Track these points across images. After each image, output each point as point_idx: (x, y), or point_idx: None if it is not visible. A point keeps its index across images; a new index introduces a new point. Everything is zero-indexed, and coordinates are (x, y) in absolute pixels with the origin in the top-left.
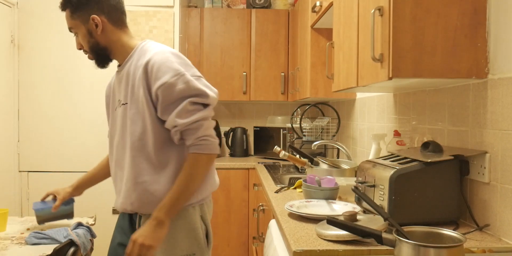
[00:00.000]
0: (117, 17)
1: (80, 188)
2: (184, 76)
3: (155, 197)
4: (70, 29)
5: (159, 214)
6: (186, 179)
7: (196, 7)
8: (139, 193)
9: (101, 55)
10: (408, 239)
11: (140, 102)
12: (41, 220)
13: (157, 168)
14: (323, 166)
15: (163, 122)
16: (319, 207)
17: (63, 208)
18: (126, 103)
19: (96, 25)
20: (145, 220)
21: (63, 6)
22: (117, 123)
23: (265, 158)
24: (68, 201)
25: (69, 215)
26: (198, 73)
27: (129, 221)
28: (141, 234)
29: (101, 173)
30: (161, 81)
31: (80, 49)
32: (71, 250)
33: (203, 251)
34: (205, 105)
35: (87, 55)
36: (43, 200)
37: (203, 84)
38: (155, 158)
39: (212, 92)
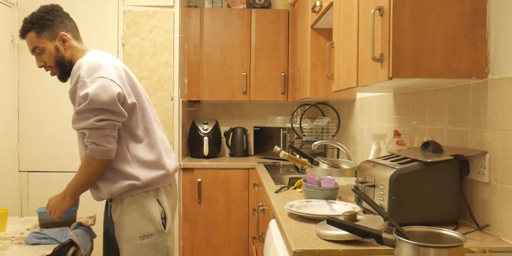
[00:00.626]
0: (77, 34)
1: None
2: (81, 81)
3: (110, 186)
4: (35, 49)
5: (66, 190)
6: (79, 173)
7: (196, 7)
8: (100, 184)
9: (65, 69)
10: (408, 239)
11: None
12: (43, 224)
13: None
14: (323, 166)
15: None
16: (319, 207)
17: (66, 214)
18: None
19: (64, 41)
20: (114, 209)
21: (26, 31)
22: None
23: (265, 158)
24: (72, 209)
25: (72, 222)
26: (102, 75)
27: (105, 210)
28: (53, 198)
29: None
30: (69, 88)
31: (42, 66)
32: (71, 250)
33: (160, 232)
34: (90, 110)
35: (49, 71)
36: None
37: (97, 86)
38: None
39: (100, 95)
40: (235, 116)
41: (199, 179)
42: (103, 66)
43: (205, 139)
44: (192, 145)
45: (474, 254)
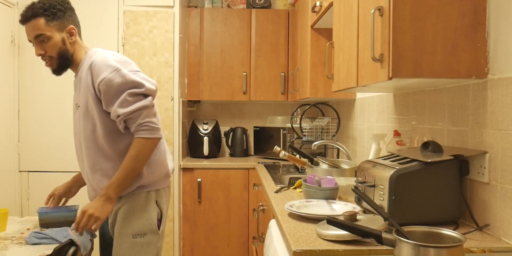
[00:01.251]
0: (80, 31)
1: (76, 185)
2: (120, 71)
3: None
4: (39, 36)
5: (107, 191)
6: (130, 161)
7: (196, 7)
8: (99, 179)
9: (65, 62)
10: (408, 239)
11: (88, 100)
12: (43, 224)
13: (112, 156)
14: (323, 166)
15: (109, 114)
16: (319, 207)
17: (66, 214)
18: (79, 106)
19: (71, 34)
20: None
21: (35, 15)
22: (76, 124)
23: (265, 158)
24: (72, 209)
25: (72, 222)
26: (136, 68)
27: None
28: (91, 206)
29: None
30: (101, 77)
31: (41, 55)
32: (71, 250)
33: (154, 233)
34: (145, 96)
35: (46, 61)
36: (46, 204)
37: (140, 77)
38: (108, 148)
39: (149, 83)
40: (235, 116)
41: (199, 179)
42: (129, 61)
43: (205, 139)
44: (192, 145)
45: (474, 254)
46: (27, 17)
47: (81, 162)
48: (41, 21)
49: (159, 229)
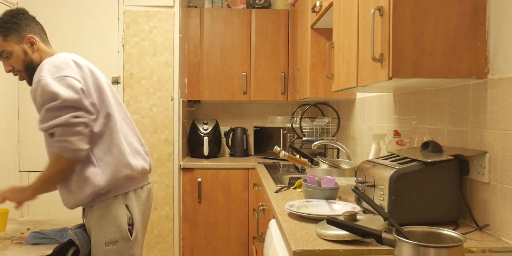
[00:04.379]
0: (45, 38)
1: None
2: (43, 79)
3: (70, 196)
4: (1, 53)
5: (30, 184)
6: (46, 170)
7: (196, 7)
8: (63, 192)
9: (33, 73)
10: (408, 239)
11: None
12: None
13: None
14: (323, 166)
15: None
16: (319, 207)
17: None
18: None
19: (32, 43)
20: (86, 214)
21: None
22: None
23: (265, 158)
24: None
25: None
26: (66, 74)
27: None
28: (9, 188)
29: None
30: (31, 88)
31: (9, 71)
32: (71, 250)
33: (125, 240)
34: (64, 108)
35: (17, 76)
36: None
37: (63, 84)
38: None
39: (68, 93)
40: (235, 116)
41: (199, 179)
42: (67, 64)
43: (205, 139)
44: (192, 145)
45: (474, 254)
46: None
47: None
48: None
49: (131, 235)
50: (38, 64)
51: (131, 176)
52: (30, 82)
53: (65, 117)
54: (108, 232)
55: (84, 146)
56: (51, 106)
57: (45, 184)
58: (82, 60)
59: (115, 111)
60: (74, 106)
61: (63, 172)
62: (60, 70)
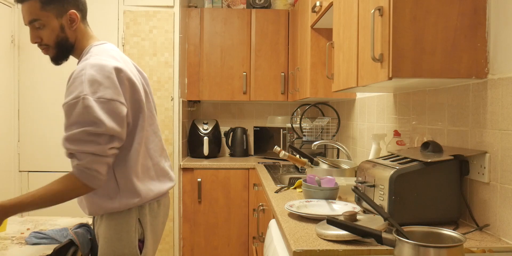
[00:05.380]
0: (85, 14)
1: None
2: (86, 100)
3: (86, 205)
4: (33, 21)
5: (10, 210)
6: (50, 194)
7: (196, 7)
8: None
9: (64, 52)
10: (408, 239)
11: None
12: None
13: None
14: (323, 166)
15: None
16: (319, 207)
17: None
18: None
19: (72, 21)
20: (96, 220)
21: None
22: None
23: (265, 158)
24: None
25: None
26: (110, 96)
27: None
28: None
29: None
30: (66, 99)
31: (36, 42)
32: (71, 250)
33: (133, 255)
34: (103, 136)
35: (43, 49)
36: None
37: (106, 110)
38: None
39: (112, 122)
40: (235, 116)
41: (199, 179)
42: (110, 80)
43: (205, 139)
44: (192, 145)
45: (474, 254)
46: None
47: None
48: (36, 4)
49: (140, 252)
50: (72, 44)
51: (161, 193)
52: (55, 60)
53: (102, 148)
54: (117, 246)
55: (105, 176)
56: (91, 131)
57: (44, 200)
58: (123, 66)
59: (145, 128)
60: (114, 135)
61: (70, 196)
62: (103, 88)
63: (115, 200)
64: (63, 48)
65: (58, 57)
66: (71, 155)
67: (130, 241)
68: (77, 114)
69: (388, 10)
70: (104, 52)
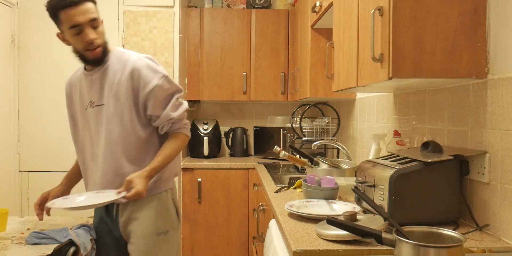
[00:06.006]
0: None
1: (69, 186)
2: (167, 77)
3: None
4: (92, 20)
5: (150, 173)
6: (172, 151)
7: (196, 7)
8: (119, 183)
9: (105, 52)
10: (408, 239)
11: (122, 103)
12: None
13: (136, 161)
14: (323, 166)
15: (141, 120)
16: (319, 207)
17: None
18: (102, 104)
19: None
20: (123, 208)
21: None
22: (89, 122)
23: (265, 158)
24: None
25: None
26: (165, 72)
27: (105, 211)
28: (142, 184)
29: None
30: (152, 84)
31: (94, 39)
32: (71, 250)
33: (175, 229)
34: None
35: (93, 49)
36: (41, 203)
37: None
38: (134, 152)
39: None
40: (235, 116)
41: (199, 179)
42: (156, 63)
43: (205, 139)
44: (192, 145)
45: (474, 254)
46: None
47: (93, 163)
48: (91, 5)
49: (179, 223)
50: (108, 47)
51: (177, 174)
52: (100, 61)
53: (186, 104)
54: (160, 223)
55: None
56: (180, 96)
57: (164, 164)
58: None
59: None
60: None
61: (181, 149)
62: (160, 68)
63: (171, 180)
64: (106, 48)
65: (102, 57)
66: (173, 123)
67: (170, 217)
68: (167, 89)
69: (388, 10)
70: (129, 52)
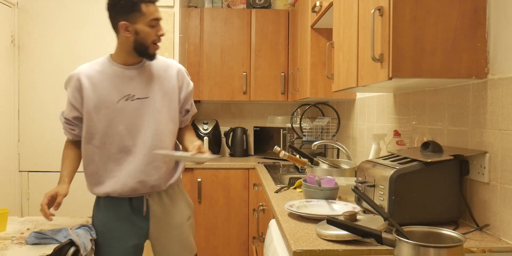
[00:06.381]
0: None
1: (70, 182)
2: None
3: (172, 174)
4: (158, 19)
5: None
6: (192, 133)
7: (196, 7)
8: (162, 172)
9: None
10: (408, 239)
11: (169, 97)
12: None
13: (173, 149)
14: (323, 166)
15: (179, 114)
16: (319, 207)
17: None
18: (147, 97)
19: None
20: (152, 199)
21: None
22: (124, 114)
23: (265, 158)
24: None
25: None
26: None
27: (129, 206)
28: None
29: (78, 164)
30: (191, 84)
31: (164, 35)
32: (71, 250)
33: (193, 211)
34: None
35: (156, 45)
36: (48, 203)
37: None
38: (170, 143)
39: None
40: (235, 116)
41: (199, 179)
42: None
43: (205, 139)
44: None
45: (474, 254)
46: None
47: (126, 154)
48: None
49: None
50: None
51: None
52: (155, 56)
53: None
54: (187, 210)
55: None
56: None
57: None
58: None
59: None
60: None
61: None
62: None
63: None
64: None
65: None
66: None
67: (191, 203)
68: (192, 93)
69: (388, 10)
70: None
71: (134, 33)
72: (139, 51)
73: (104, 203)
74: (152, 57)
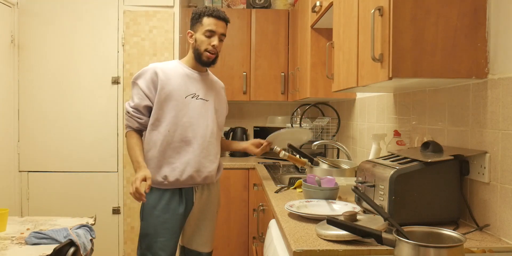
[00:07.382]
0: None
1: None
2: None
3: (220, 170)
4: (223, 35)
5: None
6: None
7: (196, 7)
8: (214, 166)
9: (213, 60)
10: (408, 239)
11: (222, 105)
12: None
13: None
14: (323, 166)
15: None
16: (319, 207)
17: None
18: (207, 100)
19: None
20: (200, 192)
21: (227, 21)
22: (190, 109)
23: (265, 158)
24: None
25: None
26: None
27: (179, 195)
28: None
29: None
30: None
31: (216, 46)
32: (71, 250)
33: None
34: None
35: (212, 55)
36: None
37: None
38: (218, 144)
39: None
40: (235, 116)
41: None
42: None
43: None
44: None
45: (474, 254)
46: (226, 19)
47: (184, 145)
48: (226, 25)
49: None
50: None
51: None
52: (212, 63)
53: None
54: (217, 206)
55: None
56: None
57: None
58: None
59: None
60: None
61: None
62: None
63: None
64: (216, 59)
65: (211, 63)
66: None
67: (220, 197)
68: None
69: (388, 10)
70: None
71: (194, 40)
72: (196, 56)
73: (156, 193)
74: (204, 63)
